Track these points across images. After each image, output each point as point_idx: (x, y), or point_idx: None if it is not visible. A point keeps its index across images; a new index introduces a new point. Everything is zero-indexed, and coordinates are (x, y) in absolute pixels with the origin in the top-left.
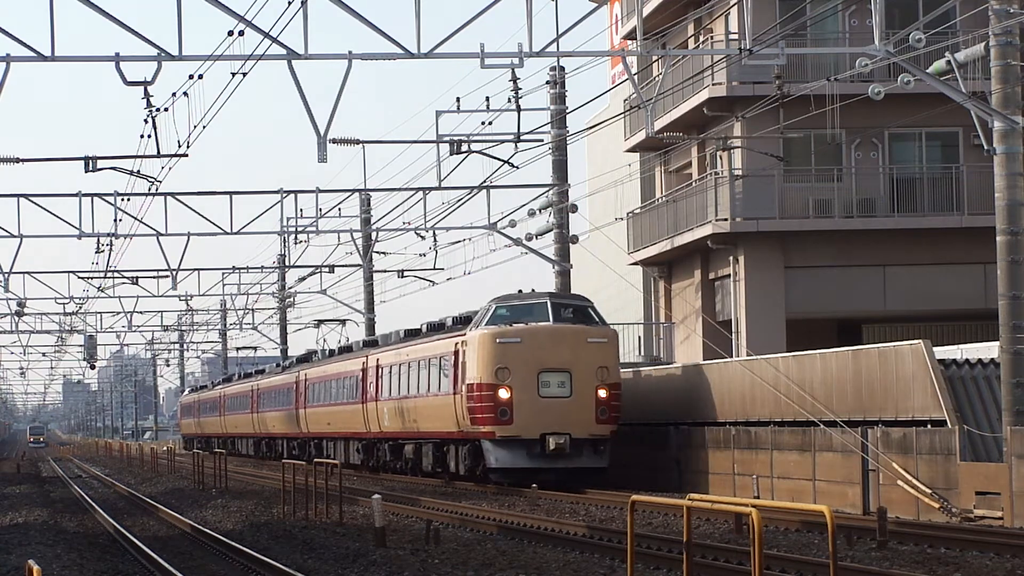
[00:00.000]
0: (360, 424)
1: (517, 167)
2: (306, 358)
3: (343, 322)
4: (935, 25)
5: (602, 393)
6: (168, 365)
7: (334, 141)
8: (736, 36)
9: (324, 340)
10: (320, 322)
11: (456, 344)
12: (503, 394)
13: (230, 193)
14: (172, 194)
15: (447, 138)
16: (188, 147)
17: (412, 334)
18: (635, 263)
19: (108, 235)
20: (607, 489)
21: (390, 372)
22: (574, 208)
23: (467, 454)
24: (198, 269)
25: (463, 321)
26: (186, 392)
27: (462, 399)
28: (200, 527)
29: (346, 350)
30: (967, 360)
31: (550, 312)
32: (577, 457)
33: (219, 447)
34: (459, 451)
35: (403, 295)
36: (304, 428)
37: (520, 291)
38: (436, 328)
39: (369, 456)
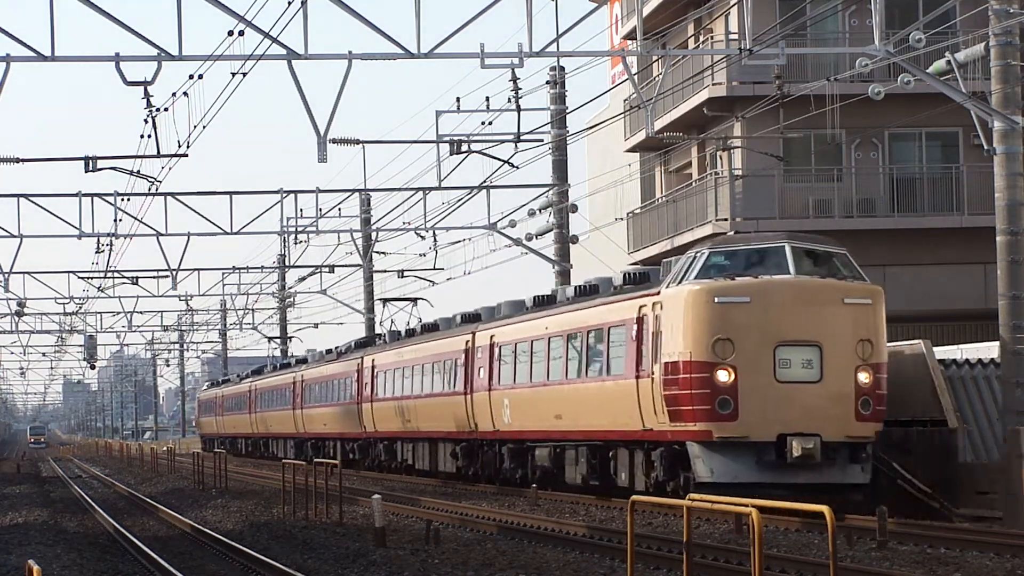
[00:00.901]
0: (463, 420)
1: (517, 167)
2: (367, 342)
3: (415, 301)
4: (935, 25)
5: (864, 377)
6: (168, 365)
7: (334, 141)
8: (736, 36)
9: (392, 321)
10: (387, 301)
11: (640, 308)
12: (723, 377)
13: (230, 193)
14: (172, 194)
15: (447, 138)
16: (188, 147)
17: (544, 302)
18: (635, 263)
19: (108, 235)
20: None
21: (515, 353)
22: (574, 208)
23: (659, 462)
24: (198, 269)
25: (638, 280)
26: (205, 387)
27: (654, 384)
28: (200, 527)
29: (431, 328)
30: (967, 360)
31: (790, 260)
32: (829, 469)
33: (249, 449)
34: (644, 458)
35: (403, 295)
36: (368, 426)
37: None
38: (588, 292)
39: (471, 462)
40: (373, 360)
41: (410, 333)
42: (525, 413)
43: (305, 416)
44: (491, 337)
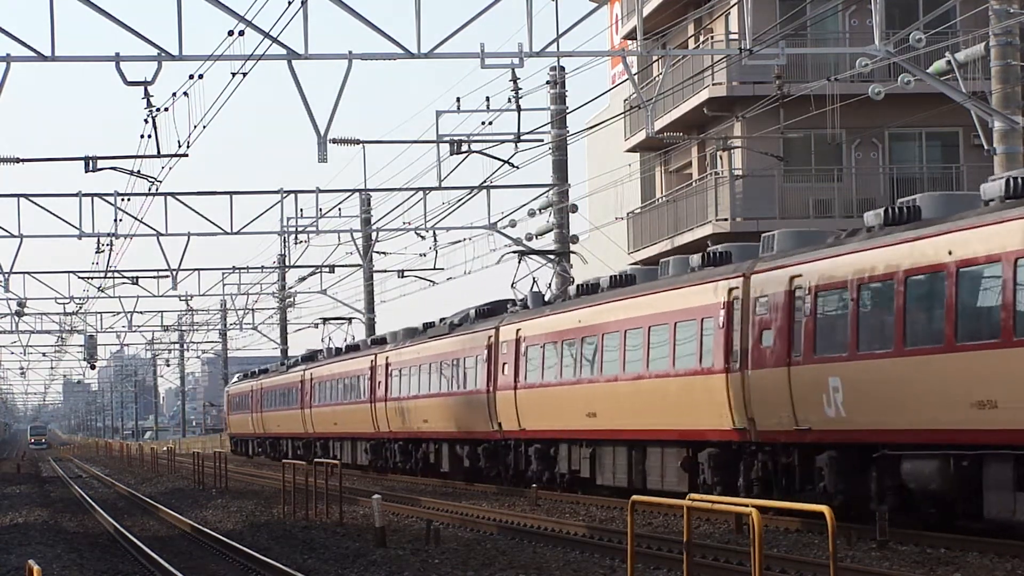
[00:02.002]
0: (640, 412)
1: (517, 167)
2: (494, 310)
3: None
4: (935, 25)
5: None
6: (168, 365)
7: (334, 141)
8: (736, 36)
9: (537, 280)
10: (524, 253)
11: None
12: None
13: (230, 193)
14: (172, 194)
15: (447, 138)
16: (188, 147)
17: (588, 290)
18: (635, 263)
19: (108, 235)
20: None
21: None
22: (574, 208)
23: None
24: (198, 269)
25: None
26: (235, 379)
27: None
28: (200, 527)
29: (590, 290)
30: None
31: None
32: None
33: (299, 452)
34: None
35: (403, 295)
36: (503, 423)
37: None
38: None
39: (708, 473)
40: (522, 331)
41: (557, 299)
42: (552, 411)
43: (389, 410)
44: (517, 331)
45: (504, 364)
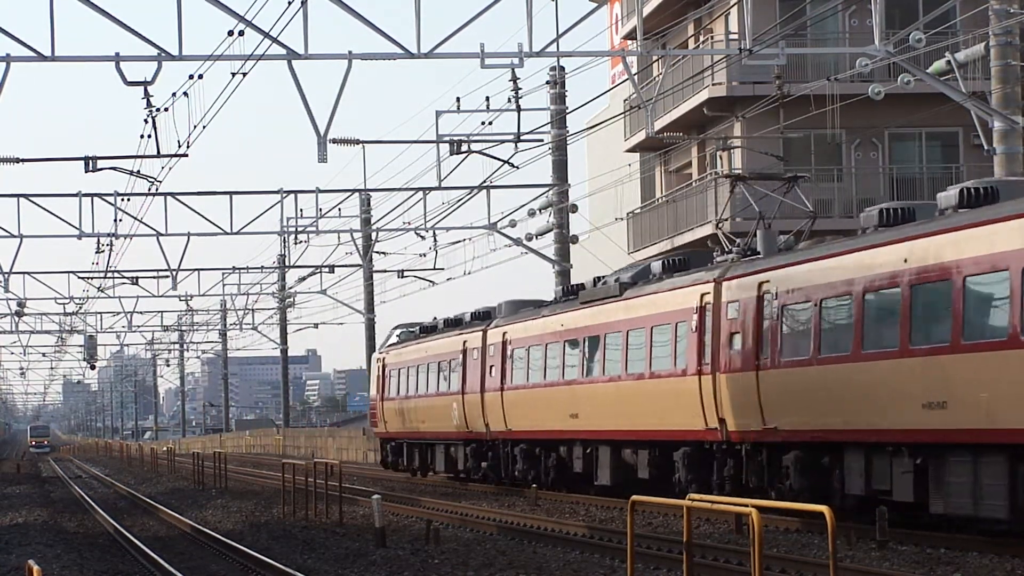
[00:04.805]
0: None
1: (517, 167)
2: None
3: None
4: (935, 25)
5: None
6: (168, 365)
7: (334, 141)
8: (736, 36)
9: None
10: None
11: None
12: None
13: (230, 193)
14: (172, 194)
15: (447, 138)
16: (188, 147)
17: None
18: (635, 263)
19: (108, 235)
20: None
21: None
22: (574, 208)
23: None
24: (198, 269)
25: None
26: (394, 338)
27: None
28: (200, 527)
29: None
30: None
31: None
32: None
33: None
34: None
35: (403, 295)
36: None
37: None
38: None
39: None
40: None
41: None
42: None
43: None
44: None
45: (491, 366)
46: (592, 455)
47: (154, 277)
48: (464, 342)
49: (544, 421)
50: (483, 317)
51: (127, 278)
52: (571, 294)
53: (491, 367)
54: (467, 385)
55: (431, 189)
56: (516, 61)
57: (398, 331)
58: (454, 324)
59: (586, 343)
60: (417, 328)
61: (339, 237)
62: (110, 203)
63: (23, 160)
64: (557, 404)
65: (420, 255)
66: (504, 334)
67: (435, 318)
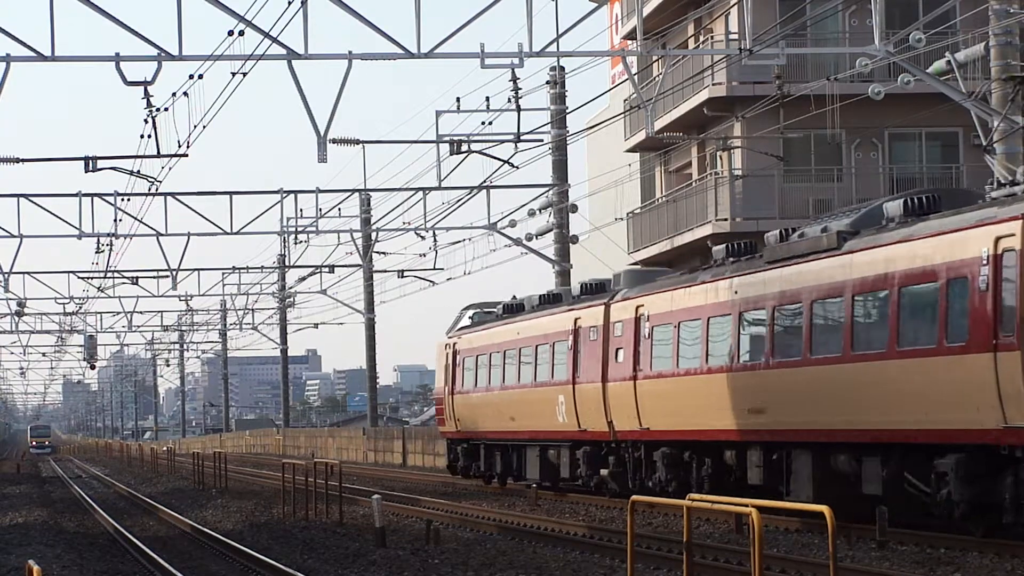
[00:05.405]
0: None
1: (517, 167)
2: None
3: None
4: (935, 25)
5: None
6: (168, 365)
7: (334, 141)
8: (736, 36)
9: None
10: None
11: None
12: None
13: (230, 193)
14: (172, 194)
15: (447, 138)
16: (188, 147)
17: None
18: (635, 263)
19: (108, 235)
20: None
21: None
22: (574, 208)
23: None
24: (198, 269)
25: None
26: (467, 319)
27: None
28: (200, 527)
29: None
30: None
31: None
32: None
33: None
34: None
35: (403, 295)
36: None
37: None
38: None
39: None
40: None
41: None
42: None
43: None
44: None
45: (618, 349)
46: (780, 460)
47: (154, 277)
48: (576, 320)
49: (704, 418)
50: (595, 290)
51: (127, 278)
52: (742, 253)
53: (617, 350)
54: (580, 374)
55: (431, 189)
56: (516, 61)
57: (471, 312)
58: (552, 300)
59: (776, 315)
60: (498, 307)
61: (339, 237)
62: (110, 203)
63: (23, 160)
64: (727, 396)
65: (420, 255)
66: (638, 308)
67: (514, 296)
